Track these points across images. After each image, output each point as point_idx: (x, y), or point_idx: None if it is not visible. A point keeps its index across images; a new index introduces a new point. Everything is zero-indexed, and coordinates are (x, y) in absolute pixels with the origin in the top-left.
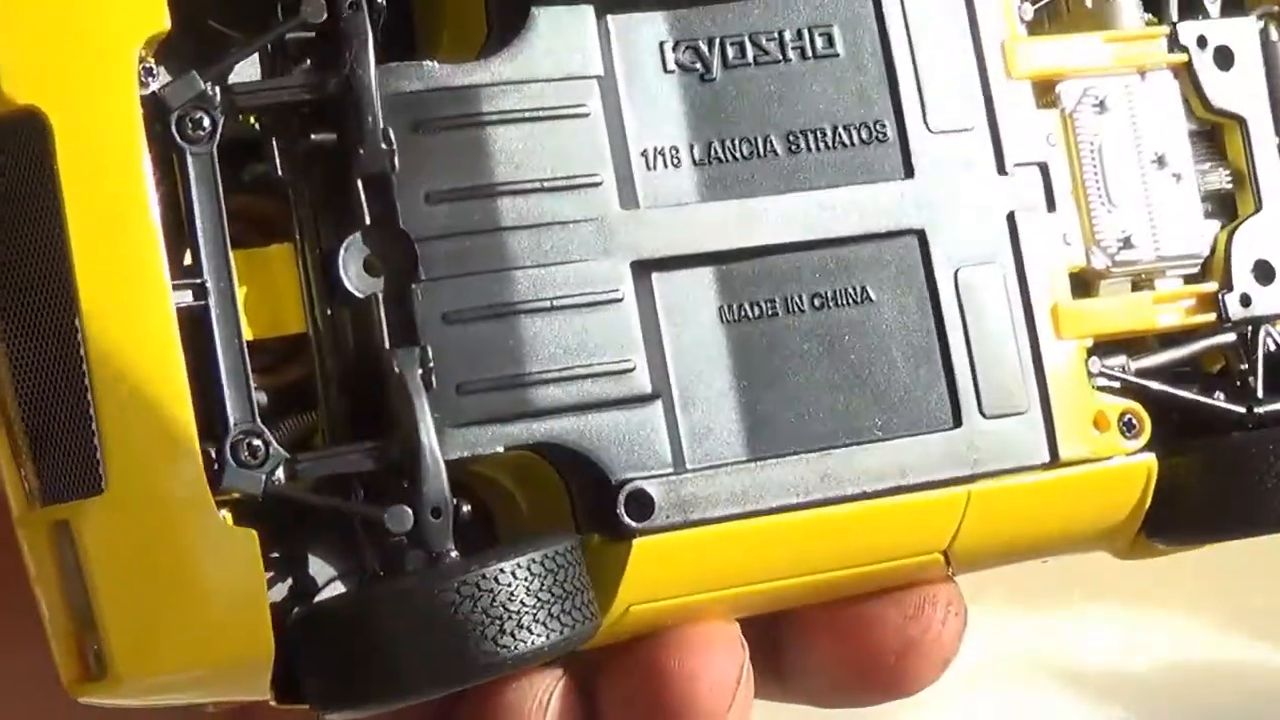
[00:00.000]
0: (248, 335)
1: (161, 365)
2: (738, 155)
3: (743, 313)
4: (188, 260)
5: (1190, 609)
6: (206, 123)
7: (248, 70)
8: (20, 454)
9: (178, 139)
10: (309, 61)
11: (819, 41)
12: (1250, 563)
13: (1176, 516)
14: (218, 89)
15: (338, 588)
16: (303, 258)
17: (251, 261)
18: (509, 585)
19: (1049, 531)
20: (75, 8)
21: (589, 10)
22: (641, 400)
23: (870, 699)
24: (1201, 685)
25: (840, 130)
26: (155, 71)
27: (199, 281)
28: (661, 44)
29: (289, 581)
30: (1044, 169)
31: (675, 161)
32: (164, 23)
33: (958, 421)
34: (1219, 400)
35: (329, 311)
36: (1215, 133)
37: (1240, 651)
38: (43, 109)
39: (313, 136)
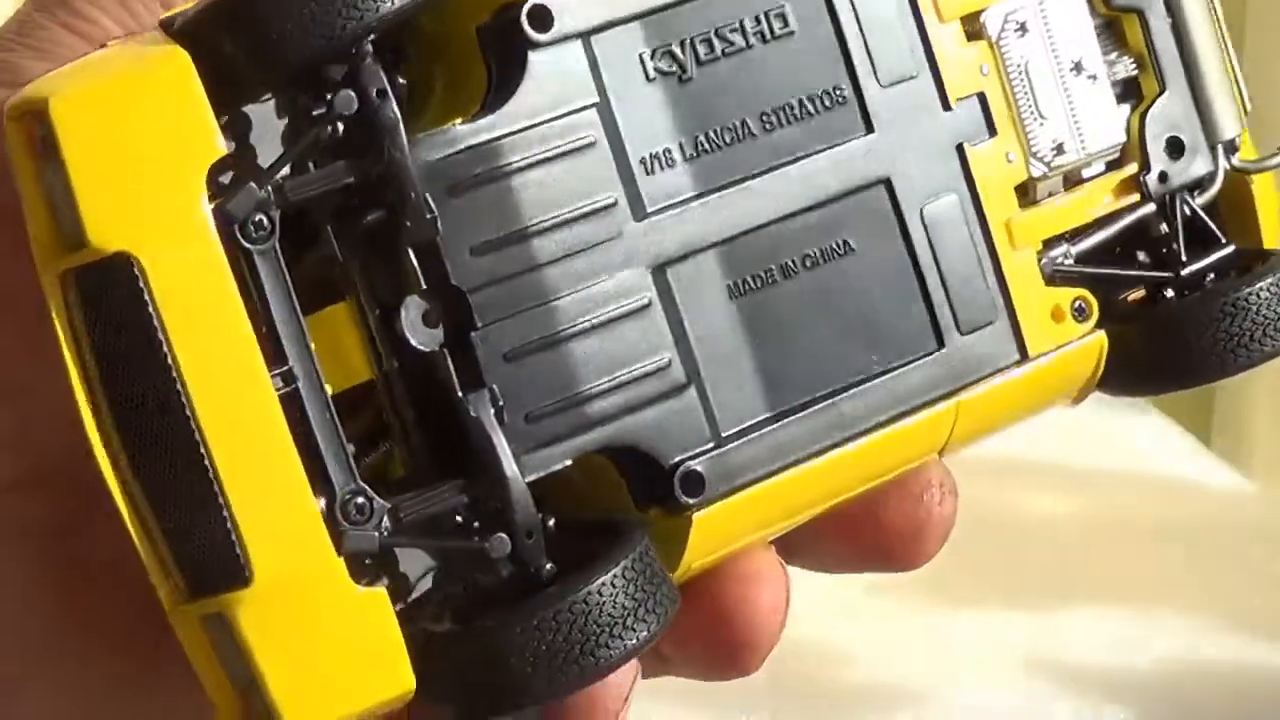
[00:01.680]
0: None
1: (280, 457)
2: (722, 144)
3: (747, 286)
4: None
5: (1190, 609)
6: (266, 223)
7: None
8: (162, 555)
9: (244, 243)
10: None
11: (775, 24)
12: (1250, 563)
13: (1124, 376)
14: (269, 188)
15: (425, 584)
16: (362, 314)
17: (316, 325)
18: (611, 595)
19: (1024, 412)
20: (144, 151)
21: (577, 43)
22: (679, 389)
23: (879, 572)
24: (1201, 685)
25: (805, 101)
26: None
27: (286, 368)
28: (640, 55)
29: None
30: (982, 99)
31: (670, 162)
32: (221, 148)
33: (940, 344)
34: (1149, 271)
35: (395, 363)
36: (1115, 24)
37: (1240, 651)
38: (132, 251)
39: (366, 219)
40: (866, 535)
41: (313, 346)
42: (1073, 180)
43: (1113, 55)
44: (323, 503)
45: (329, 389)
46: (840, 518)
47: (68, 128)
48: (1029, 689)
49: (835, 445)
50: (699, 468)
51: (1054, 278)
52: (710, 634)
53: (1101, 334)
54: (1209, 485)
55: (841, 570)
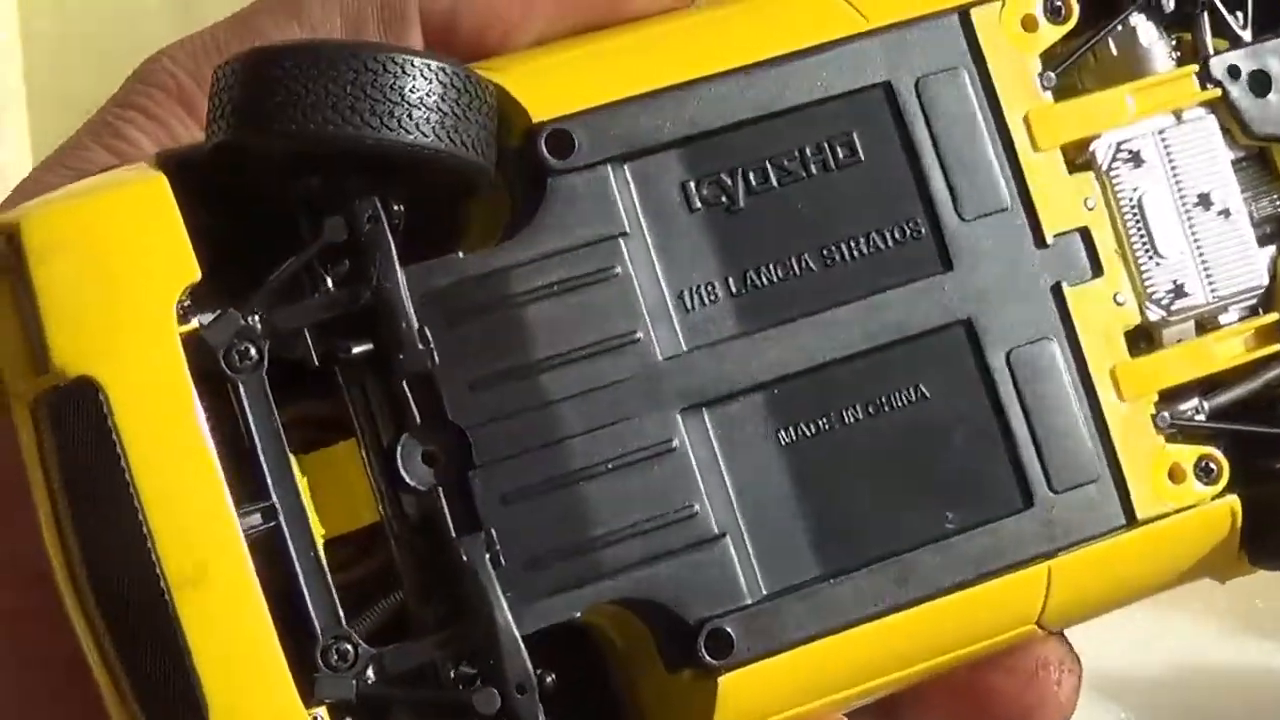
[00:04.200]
0: (326, 532)
1: (242, 599)
2: (773, 279)
3: (799, 432)
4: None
5: (1191, 609)
6: (253, 352)
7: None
8: (125, 696)
9: (228, 371)
10: (330, 268)
11: (840, 151)
12: None
13: (1273, 544)
14: (256, 317)
15: None
16: (365, 451)
17: (319, 462)
18: None
19: (1141, 583)
20: (112, 275)
21: (604, 169)
22: (708, 541)
23: None
24: (1202, 685)
25: (873, 235)
26: (190, 308)
27: (268, 503)
28: (683, 184)
29: None
30: (1085, 234)
31: (712, 298)
32: (195, 273)
33: (1028, 502)
34: None
35: (397, 503)
36: (1264, 155)
37: (1240, 651)
38: (96, 377)
39: (354, 350)
40: (973, 712)
41: (303, 483)
42: (1208, 327)
43: (1259, 190)
44: (306, 645)
45: (328, 529)
46: (946, 689)
47: (37, 248)
48: None
49: (897, 608)
50: (728, 627)
51: (1177, 434)
52: None
53: (1233, 499)
54: None
55: None
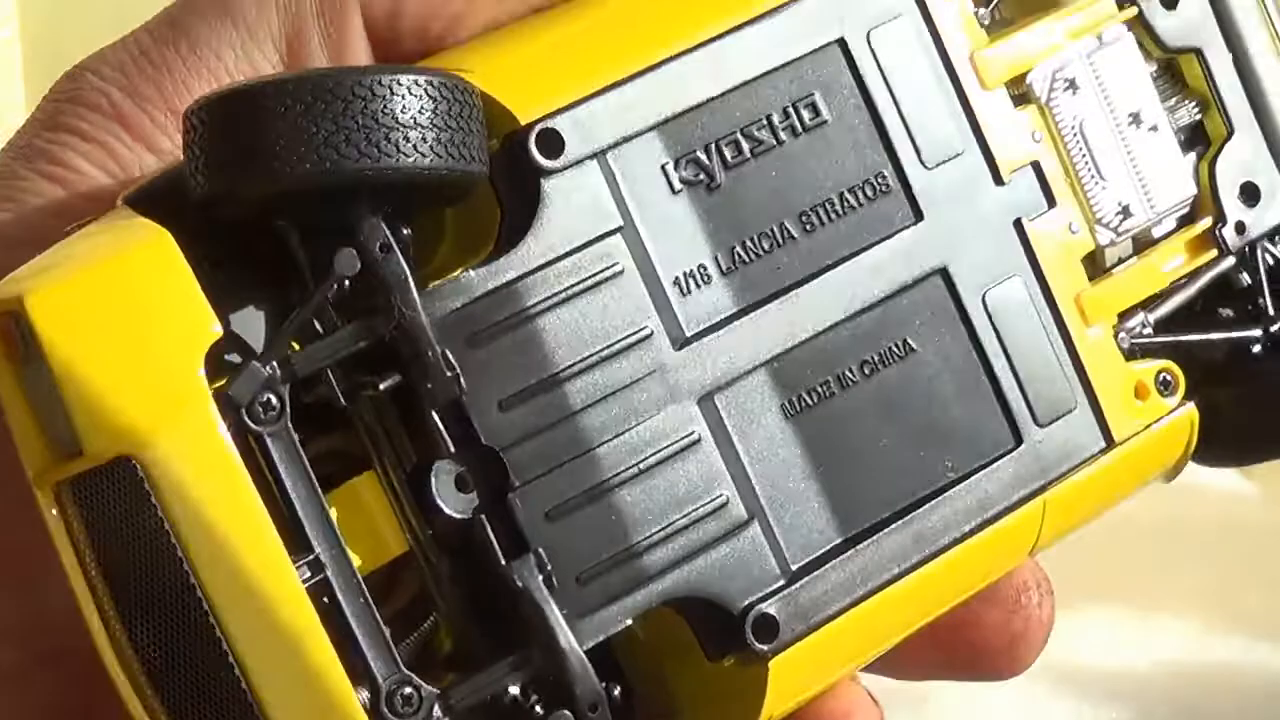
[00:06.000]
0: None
1: (314, 655)
2: (760, 251)
3: (803, 403)
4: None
5: (1190, 609)
6: (275, 401)
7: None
8: None
9: (253, 426)
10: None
11: (805, 114)
12: (1249, 563)
13: (1223, 445)
14: (273, 365)
15: None
16: (388, 480)
17: (342, 500)
18: None
19: (1116, 498)
20: (133, 346)
21: (593, 164)
22: (740, 527)
23: (972, 681)
24: (1201, 685)
25: (847, 195)
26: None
27: (312, 556)
28: (664, 166)
29: None
30: (1036, 167)
31: (706, 279)
32: (215, 330)
33: (1019, 440)
34: (1235, 331)
35: (429, 530)
36: (1173, 65)
37: (1240, 652)
38: (132, 454)
39: (380, 386)
40: (960, 649)
41: (339, 528)
42: (1143, 242)
43: (1173, 100)
44: (366, 695)
45: (361, 570)
46: (931, 634)
47: (48, 327)
48: (1028, 689)
49: (917, 565)
50: (771, 610)
51: (1133, 351)
52: None
53: (1191, 407)
54: (1209, 485)
55: (928, 679)
